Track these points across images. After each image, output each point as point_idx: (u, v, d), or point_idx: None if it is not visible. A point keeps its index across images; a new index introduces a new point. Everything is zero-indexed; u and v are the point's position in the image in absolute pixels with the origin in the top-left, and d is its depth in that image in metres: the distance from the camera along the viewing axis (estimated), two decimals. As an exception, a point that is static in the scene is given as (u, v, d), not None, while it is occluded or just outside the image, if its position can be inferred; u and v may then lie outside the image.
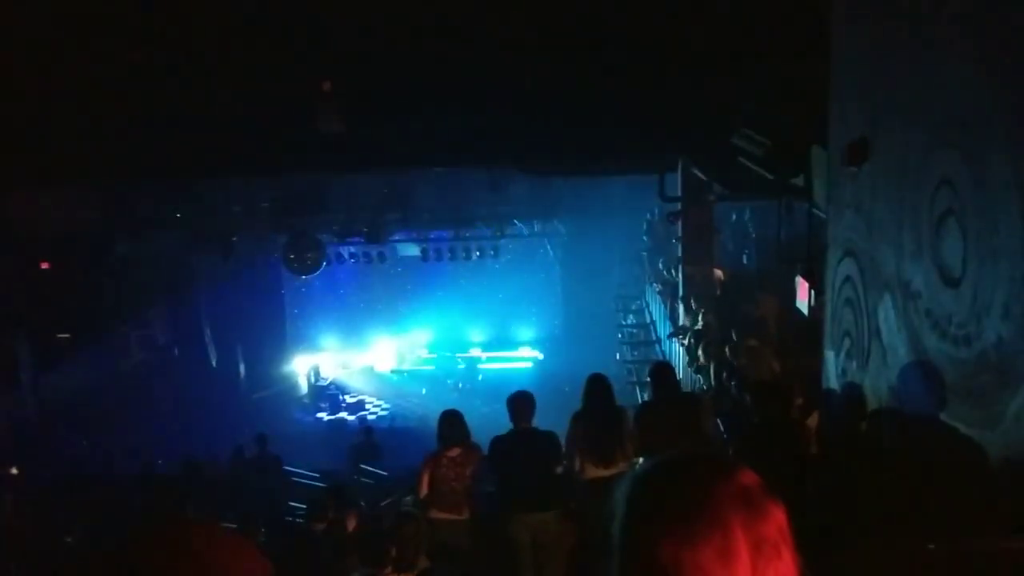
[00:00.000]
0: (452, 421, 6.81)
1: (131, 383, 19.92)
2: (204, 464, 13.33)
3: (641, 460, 6.23)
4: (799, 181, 7.83)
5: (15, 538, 9.76)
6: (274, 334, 24.81)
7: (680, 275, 13.73)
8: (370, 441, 14.62)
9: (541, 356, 25.22)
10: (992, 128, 3.96)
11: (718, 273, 13.53)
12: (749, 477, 1.17)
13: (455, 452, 6.69)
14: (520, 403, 6.72)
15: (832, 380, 6.47)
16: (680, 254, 13.76)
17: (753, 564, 1.11)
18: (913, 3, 4.89)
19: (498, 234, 21.42)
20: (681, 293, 13.57)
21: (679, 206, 13.40)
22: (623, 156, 12.46)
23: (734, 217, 16.59)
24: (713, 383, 9.75)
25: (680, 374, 10.91)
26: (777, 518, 1.15)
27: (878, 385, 5.46)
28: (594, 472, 6.61)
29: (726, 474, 1.17)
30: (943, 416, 4.51)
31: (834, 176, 6.32)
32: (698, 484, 1.16)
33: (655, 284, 17.02)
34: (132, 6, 9.52)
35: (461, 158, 13.06)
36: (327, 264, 19.70)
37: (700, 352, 10.86)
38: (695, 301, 12.73)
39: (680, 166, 12.85)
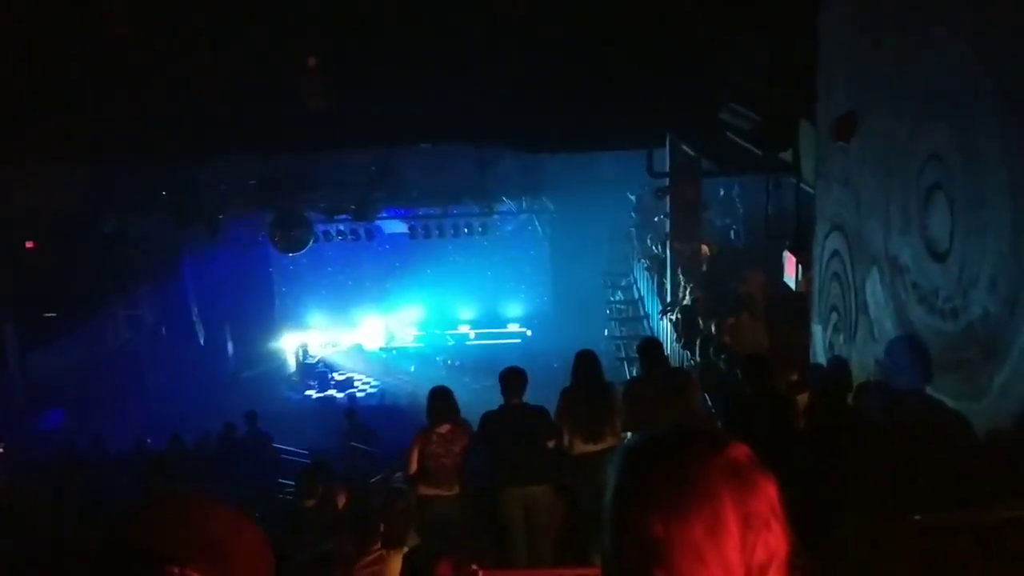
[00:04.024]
0: (441, 398, 6.82)
1: (119, 362, 19.87)
2: (193, 442, 13.35)
3: (629, 435, 6.26)
4: (787, 156, 7.82)
5: (8, 516, 9.75)
6: (262, 312, 24.75)
7: (668, 251, 13.73)
8: (355, 424, 14.51)
9: (530, 333, 25.26)
10: (981, 102, 3.96)
11: (705, 248, 13.54)
12: (740, 451, 1.17)
13: (445, 429, 6.70)
14: (512, 378, 6.74)
15: (820, 354, 6.50)
16: (668, 230, 13.76)
17: (743, 538, 1.11)
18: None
19: (486, 211, 21.35)
20: (669, 269, 13.58)
21: (667, 182, 13.38)
22: (611, 132, 12.41)
23: (722, 192, 16.59)
24: (700, 358, 9.78)
25: (668, 349, 10.94)
26: (768, 492, 1.15)
27: (865, 359, 5.49)
28: (583, 447, 6.64)
29: (716, 448, 1.16)
30: (929, 389, 4.54)
31: (822, 151, 6.32)
32: (688, 459, 1.15)
33: (643, 260, 17.02)
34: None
35: (448, 134, 12.99)
36: (315, 242, 19.61)
37: (688, 327, 10.89)
38: (683, 277, 12.75)
39: (668, 142, 12.81)
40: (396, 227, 22.90)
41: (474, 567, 4.02)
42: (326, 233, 20.97)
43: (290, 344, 25.01)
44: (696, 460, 1.15)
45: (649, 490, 1.14)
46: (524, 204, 23.39)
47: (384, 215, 21.53)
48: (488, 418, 6.74)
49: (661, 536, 1.10)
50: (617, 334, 18.10)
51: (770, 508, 1.14)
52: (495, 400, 6.82)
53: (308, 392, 23.29)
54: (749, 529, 1.11)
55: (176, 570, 1.06)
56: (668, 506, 1.11)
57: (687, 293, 12.11)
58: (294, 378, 24.19)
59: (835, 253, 6.08)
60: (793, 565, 1.15)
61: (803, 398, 6.40)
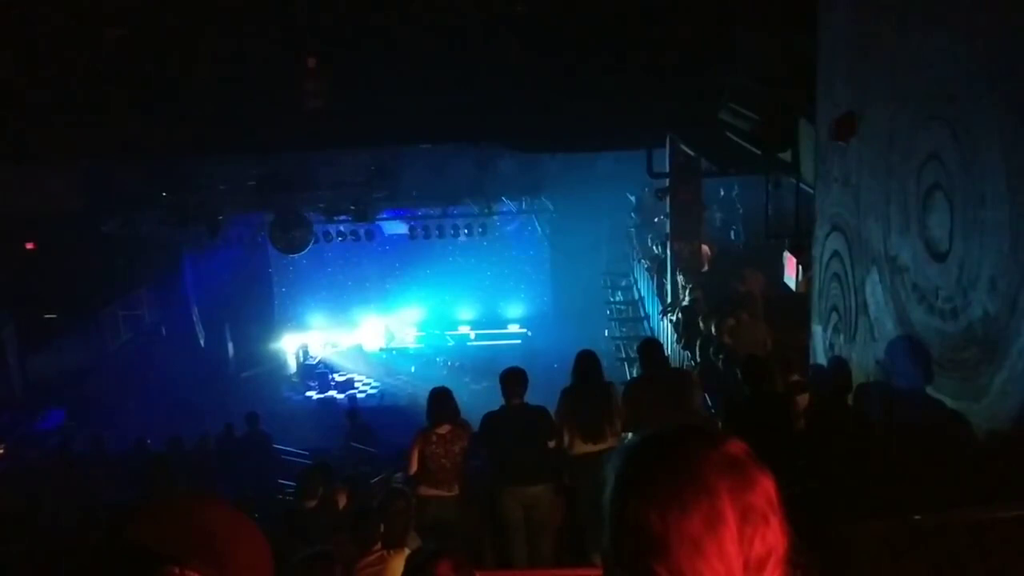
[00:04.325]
0: (441, 399, 6.81)
1: (119, 363, 19.86)
2: (193, 443, 13.35)
3: (630, 435, 6.26)
4: (787, 156, 7.83)
5: (8, 516, 9.75)
6: (262, 313, 24.74)
7: (668, 251, 13.74)
8: (357, 424, 14.54)
9: (530, 333, 25.25)
10: (980, 102, 3.96)
11: (706, 249, 13.54)
12: (737, 446, 1.18)
13: (445, 429, 6.69)
14: (513, 379, 6.73)
15: (820, 355, 6.50)
16: (668, 230, 13.76)
17: (740, 532, 1.11)
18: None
19: (486, 211, 21.36)
20: (669, 269, 13.59)
21: (667, 182, 13.38)
22: (611, 132, 12.41)
23: (722, 193, 16.59)
24: (701, 359, 9.79)
25: (668, 350, 10.94)
26: (765, 486, 1.15)
27: (865, 359, 5.49)
28: (583, 448, 6.64)
29: (713, 443, 1.17)
30: (929, 389, 4.54)
31: (822, 151, 6.32)
32: (685, 454, 1.16)
33: (643, 260, 17.03)
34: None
35: (447, 134, 12.99)
36: (315, 242, 19.62)
37: (688, 328, 10.89)
38: (683, 277, 12.75)
39: (668, 142, 12.82)
40: (396, 228, 22.90)
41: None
42: (326, 234, 20.97)
43: (290, 345, 25.00)
44: (694, 455, 1.16)
45: (648, 484, 1.14)
46: (524, 204, 23.39)
47: (384, 216, 21.54)
48: (489, 418, 6.74)
49: (660, 530, 1.11)
50: (617, 334, 18.10)
51: (768, 502, 1.14)
52: (495, 401, 6.82)
53: (308, 393, 23.28)
54: (747, 523, 1.12)
55: (177, 570, 1.06)
56: (667, 500, 1.12)
57: (687, 293, 12.11)
58: (294, 379, 24.18)
59: (835, 253, 6.08)
60: (794, 564, 1.15)
61: (803, 398, 6.41)
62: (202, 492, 1.18)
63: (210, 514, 1.15)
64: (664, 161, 13.19)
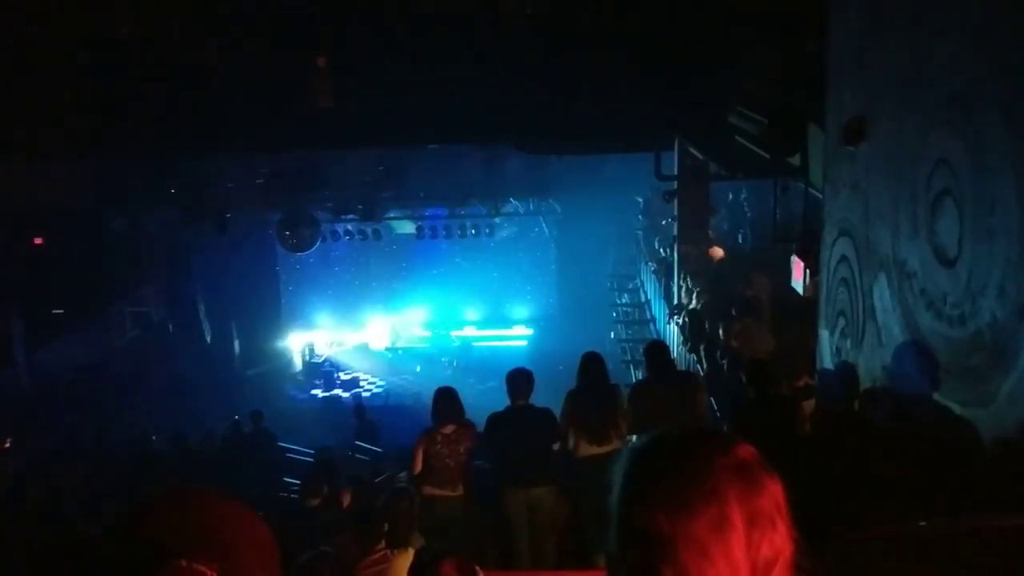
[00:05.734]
0: (446, 398, 6.82)
1: (125, 359, 19.92)
2: (197, 440, 13.37)
3: (634, 438, 6.25)
4: (796, 160, 7.81)
5: (14, 510, 9.78)
6: (269, 311, 24.77)
7: (675, 254, 13.71)
8: (364, 422, 14.58)
9: (535, 334, 25.23)
10: (990, 108, 3.95)
11: (718, 251, 13.47)
12: (745, 450, 1.18)
13: (449, 429, 6.70)
14: (519, 380, 6.74)
15: (826, 359, 6.49)
16: (676, 233, 13.74)
17: (748, 536, 1.11)
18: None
19: (493, 212, 21.37)
20: (676, 272, 13.56)
21: (675, 185, 13.36)
22: (619, 134, 12.40)
23: (730, 196, 16.56)
24: (706, 362, 9.77)
25: (675, 353, 10.92)
26: (773, 492, 1.15)
27: (872, 364, 5.47)
28: (588, 449, 6.64)
29: (722, 447, 1.17)
30: (936, 395, 4.53)
31: (831, 155, 6.31)
32: (694, 457, 1.16)
33: (650, 263, 17.01)
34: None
35: (455, 135, 13.00)
36: (322, 241, 19.64)
37: (694, 331, 10.87)
38: (690, 280, 12.72)
39: (676, 145, 12.80)
40: (403, 227, 22.93)
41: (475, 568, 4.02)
42: (333, 233, 21.00)
43: (296, 343, 25.03)
44: (702, 458, 1.16)
45: (656, 487, 1.15)
46: (531, 205, 23.39)
47: (391, 215, 21.57)
48: (494, 419, 6.74)
49: (667, 533, 1.11)
50: (623, 337, 18.07)
51: (775, 507, 1.14)
52: (500, 401, 6.82)
53: (314, 391, 23.31)
54: (754, 527, 1.12)
55: (184, 563, 1.06)
56: (674, 503, 1.12)
57: (694, 297, 12.08)
58: (300, 377, 24.21)
59: (843, 258, 6.07)
60: (800, 568, 1.15)
61: (810, 403, 6.39)
62: (208, 487, 1.19)
63: (216, 508, 1.15)
64: (672, 164, 13.16)
